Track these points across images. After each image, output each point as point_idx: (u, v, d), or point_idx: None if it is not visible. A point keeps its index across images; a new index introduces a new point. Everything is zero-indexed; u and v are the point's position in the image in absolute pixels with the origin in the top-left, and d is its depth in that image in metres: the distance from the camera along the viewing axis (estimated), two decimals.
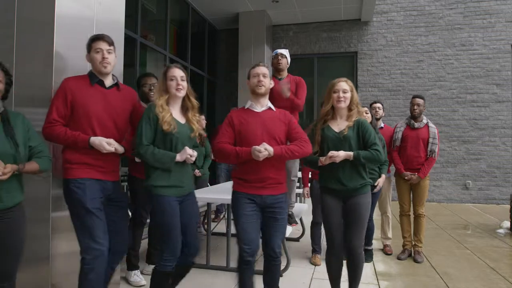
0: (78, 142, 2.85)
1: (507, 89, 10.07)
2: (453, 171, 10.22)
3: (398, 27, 10.75)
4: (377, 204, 5.30)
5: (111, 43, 3.03)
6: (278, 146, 3.15)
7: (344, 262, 3.54)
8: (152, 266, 4.48)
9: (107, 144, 2.89)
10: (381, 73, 10.70)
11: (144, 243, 4.70)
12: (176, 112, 3.18)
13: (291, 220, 4.83)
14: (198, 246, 3.27)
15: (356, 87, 10.77)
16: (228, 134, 3.26)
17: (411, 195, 5.31)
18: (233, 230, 3.76)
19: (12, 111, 2.63)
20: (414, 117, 5.27)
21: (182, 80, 3.13)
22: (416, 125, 5.23)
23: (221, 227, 6.35)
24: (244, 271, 3.20)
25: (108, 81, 3.08)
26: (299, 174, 6.01)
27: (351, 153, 3.33)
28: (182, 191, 3.15)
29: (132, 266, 4.36)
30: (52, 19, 2.95)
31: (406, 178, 5.18)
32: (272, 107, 3.37)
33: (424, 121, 5.26)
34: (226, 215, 5.03)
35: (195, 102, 3.26)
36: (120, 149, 3.01)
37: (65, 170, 2.92)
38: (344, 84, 3.46)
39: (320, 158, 3.39)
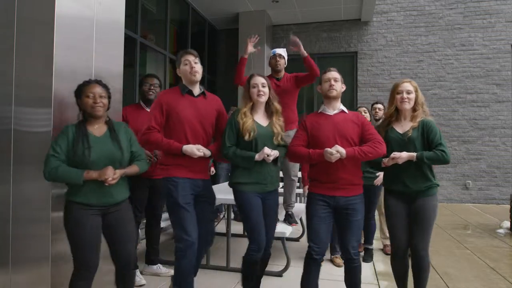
0: (172, 149, 3.30)
1: (507, 89, 10.06)
2: (453, 171, 10.21)
3: (398, 27, 10.75)
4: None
5: (196, 55, 3.46)
6: (351, 147, 3.21)
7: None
8: (153, 266, 4.52)
9: (197, 150, 3.30)
10: (381, 73, 10.69)
11: (142, 243, 4.70)
12: (259, 116, 3.51)
13: (291, 220, 4.83)
14: (271, 240, 3.59)
15: (356, 87, 10.78)
16: (302, 137, 3.41)
17: None
18: (233, 230, 3.80)
19: (115, 121, 3.13)
20: None
21: (263, 86, 3.45)
22: None
23: (221, 227, 6.31)
24: (310, 269, 3.36)
25: (196, 91, 3.50)
26: (299, 174, 6.01)
27: (414, 154, 3.28)
28: (263, 187, 3.45)
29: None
30: (52, 19, 2.95)
31: None
32: (345, 109, 3.45)
33: None
34: (226, 215, 5.03)
35: (277, 106, 3.55)
36: (208, 153, 3.40)
37: (162, 170, 3.44)
38: (408, 85, 3.46)
39: (383, 159, 3.37)
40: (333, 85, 3.37)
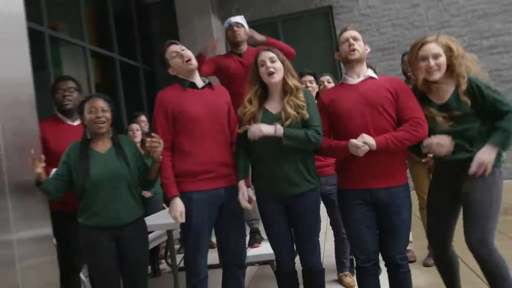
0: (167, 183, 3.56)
1: None
2: None
3: None
4: None
5: (179, 43, 3.85)
6: (382, 136, 3.15)
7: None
8: None
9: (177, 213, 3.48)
10: (367, 29, 10.72)
11: None
12: (274, 101, 3.53)
13: (255, 239, 4.82)
14: (307, 252, 3.59)
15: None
16: (322, 122, 3.40)
17: None
18: (211, 259, 3.88)
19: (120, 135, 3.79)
20: (409, 78, 5.24)
21: (272, 61, 3.45)
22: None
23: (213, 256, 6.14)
24: (363, 280, 3.46)
25: (200, 82, 3.76)
26: None
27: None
28: (280, 192, 3.43)
29: None
30: None
31: (424, 161, 4.98)
32: (374, 75, 3.44)
33: None
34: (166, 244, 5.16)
35: (294, 83, 3.46)
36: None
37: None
38: (433, 47, 3.34)
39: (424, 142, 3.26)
40: (353, 44, 3.37)
